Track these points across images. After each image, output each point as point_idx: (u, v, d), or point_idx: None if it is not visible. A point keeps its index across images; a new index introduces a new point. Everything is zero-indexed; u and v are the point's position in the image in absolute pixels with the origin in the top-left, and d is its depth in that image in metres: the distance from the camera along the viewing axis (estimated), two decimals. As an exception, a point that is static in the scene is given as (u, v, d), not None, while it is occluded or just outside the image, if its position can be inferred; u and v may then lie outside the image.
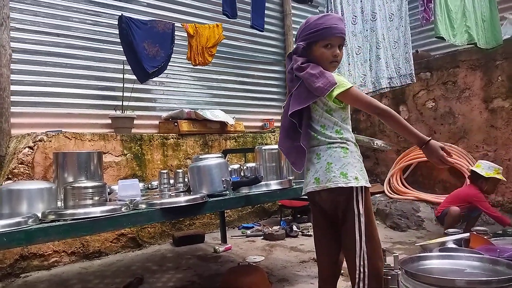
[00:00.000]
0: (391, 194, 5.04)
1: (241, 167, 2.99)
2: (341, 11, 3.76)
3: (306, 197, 1.83)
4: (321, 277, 1.84)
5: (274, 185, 2.43)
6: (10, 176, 3.32)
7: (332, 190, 1.66)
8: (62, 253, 3.58)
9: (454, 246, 2.67)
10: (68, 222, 1.67)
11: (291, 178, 2.61)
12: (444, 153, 1.65)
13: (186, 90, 5.11)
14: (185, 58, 4.26)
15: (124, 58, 3.92)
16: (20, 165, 3.37)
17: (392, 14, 3.87)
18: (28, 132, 3.63)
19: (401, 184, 5.14)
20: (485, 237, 2.70)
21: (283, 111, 1.87)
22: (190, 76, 5.13)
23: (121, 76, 4.28)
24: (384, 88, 3.84)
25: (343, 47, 1.80)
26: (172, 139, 4.46)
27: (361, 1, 3.83)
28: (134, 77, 3.97)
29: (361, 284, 1.62)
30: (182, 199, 2.01)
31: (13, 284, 3.18)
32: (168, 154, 4.39)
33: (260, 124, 5.82)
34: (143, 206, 1.95)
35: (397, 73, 3.85)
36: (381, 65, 3.80)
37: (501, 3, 4.74)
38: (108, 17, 4.39)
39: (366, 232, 1.65)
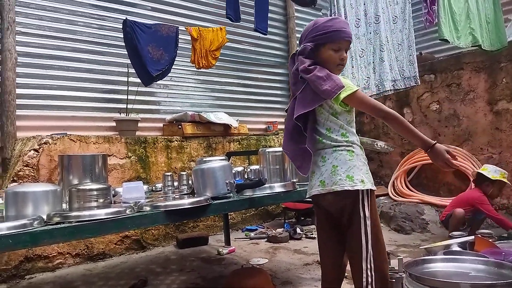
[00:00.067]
0: (396, 196, 5.03)
1: (245, 170, 2.98)
2: (344, 14, 3.75)
3: (311, 199, 1.83)
4: (325, 280, 1.83)
5: (278, 187, 2.43)
6: (15, 178, 3.34)
7: (338, 193, 1.65)
8: (67, 255, 3.60)
9: (458, 249, 2.65)
10: (73, 224, 1.68)
11: (295, 180, 2.61)
12: (450, 156, 1.65)
13: (190, 93, 5.13)
14: (189, 61, 4.29)
15: (128, 61, 3.95)
16: (25, 168, 3.39)
17: (395, 16, 3.86)
18: (33, 135, 3.66)
19: (406, 186, 5.12)
20: (490, 240, 2.68)
21: (287, 114, 1.87)
22: (194, 79, 5.15)
23: (125, 79, 4.31)
24: (388, 90, 3.83)
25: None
26: (176, 142, 4.47)
27: (364, 4, 3.83)
28: (138, 80, 4.00)
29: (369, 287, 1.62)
30: (186, 202, 2.01)
31: (18, 286, 3.20)
32: (172, 157, 4.41)
33: (263, 126, 5.83)
34: (148, 208, 1.96)
35: (401, 75, 3.84)
36: (384, 68, 3.79)
37: (505, 5, 4.73)
38: (113, 21, 4.42)
39: (372, 235, 1.64)
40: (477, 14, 4.09)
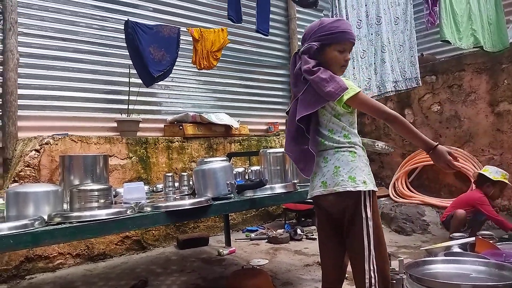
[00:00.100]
0: (396, 197, 5.02)
1: (246, 170, 2.98)
2: (346, 15, 3.76)
3: (311, 200, 1.83)
4: (326, 280, 1.83)
5: (278, 188, 2.44)
6: (16, 178, 3.35)
7: (340, 194, 1.66)
8: (67, 255, 3.60)
9: (459, 250, 2.65)
10: (74, 224, 1.68)
11: (295, 181, 2.60)
12: (451, 158, 1.65)
13: (191, 93, 5.13)
14: (190, 62, 4.29)
15: (130, 62, 3.95)
16: (26, 168, 3.40)
17: (397, 17, 3.86)
18: (34, 135, 3.67)
19: (406, 187, 5.11)
20: (491, 241, 2.68)
21: (289, 116, 1.86)
22: (195, 80, 5.16)
23: (127, 80, 4.32)
24: (389, 91, 3.82)
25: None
26: (177, 142, 4.47)
27: (366, 5, 3.83)
28: (140, 81, 4.00)
29: None
30: (187, 202, 2.01)
31: (18, 286, 3.20)
32: (173, 157, 4.41)
33: (264, 127, 5.83)
34: (148, 209, 1.96)
35: (403, 76, 3.84)
36: (386, 69, 3.79)
37: (507, 6, 4.72)
38: (114, 22, 4.43)
39: (374, 236, 1.64)
40: (479, 15, 4.08)
